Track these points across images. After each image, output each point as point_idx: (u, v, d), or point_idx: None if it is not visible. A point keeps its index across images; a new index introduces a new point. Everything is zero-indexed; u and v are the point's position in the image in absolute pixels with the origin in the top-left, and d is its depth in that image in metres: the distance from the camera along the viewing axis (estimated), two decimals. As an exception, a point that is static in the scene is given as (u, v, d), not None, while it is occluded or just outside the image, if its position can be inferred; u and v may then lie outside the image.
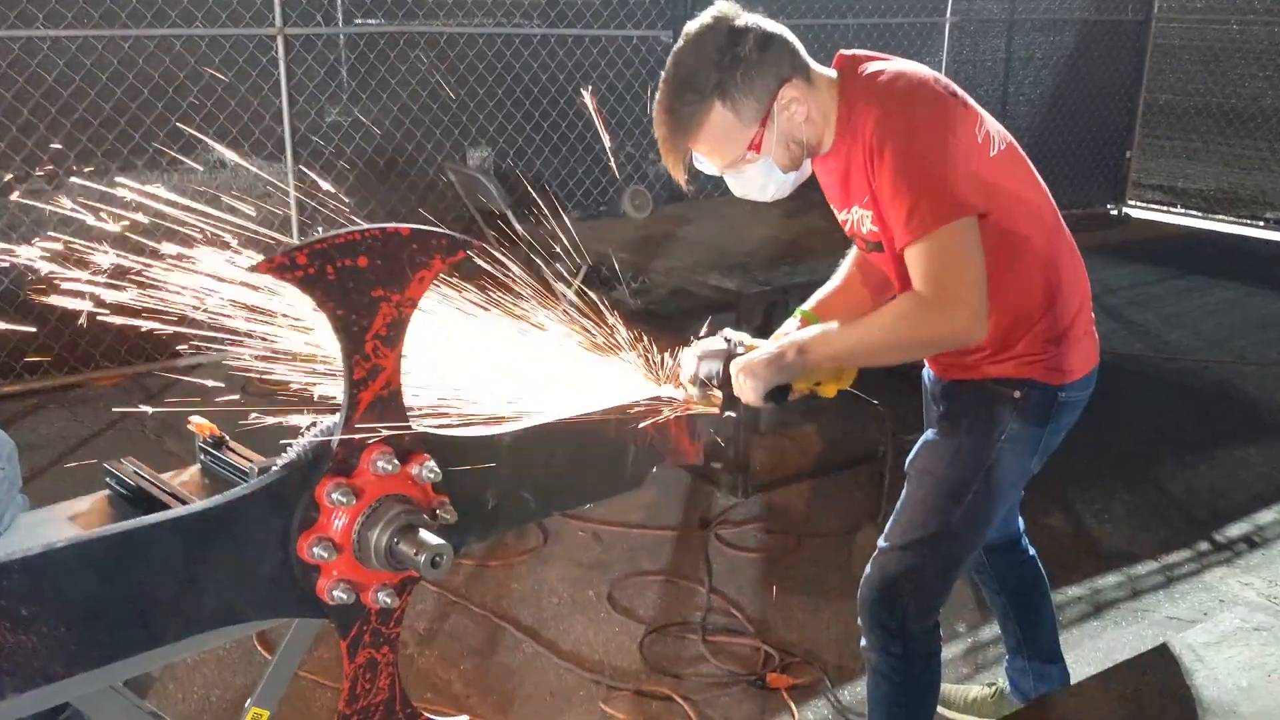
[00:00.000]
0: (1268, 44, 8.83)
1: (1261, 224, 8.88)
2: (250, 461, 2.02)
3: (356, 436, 1.60)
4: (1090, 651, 3.23)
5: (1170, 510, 4.15)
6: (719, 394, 2.13)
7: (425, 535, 1.60)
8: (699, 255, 4.55)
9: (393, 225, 1.52)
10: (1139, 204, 9.46)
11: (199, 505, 1.49)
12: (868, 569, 2.34)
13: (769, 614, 3.38)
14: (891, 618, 2.28)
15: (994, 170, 2.03)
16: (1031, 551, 2.70)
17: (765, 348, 2.09)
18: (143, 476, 1.97)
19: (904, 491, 2.31)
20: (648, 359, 2.19)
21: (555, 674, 3.10)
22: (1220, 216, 9.12)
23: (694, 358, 2.15)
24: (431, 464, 1.67)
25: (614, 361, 2.14)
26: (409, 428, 1.67)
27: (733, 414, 2.13)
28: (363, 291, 1.52)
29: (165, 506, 1.86)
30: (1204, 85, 9.11)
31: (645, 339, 2.20)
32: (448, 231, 1.62)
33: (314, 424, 1.63)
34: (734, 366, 2.09)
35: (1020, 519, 2.68)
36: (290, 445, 1.64)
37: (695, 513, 4.02)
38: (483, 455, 1.82)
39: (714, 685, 3.05)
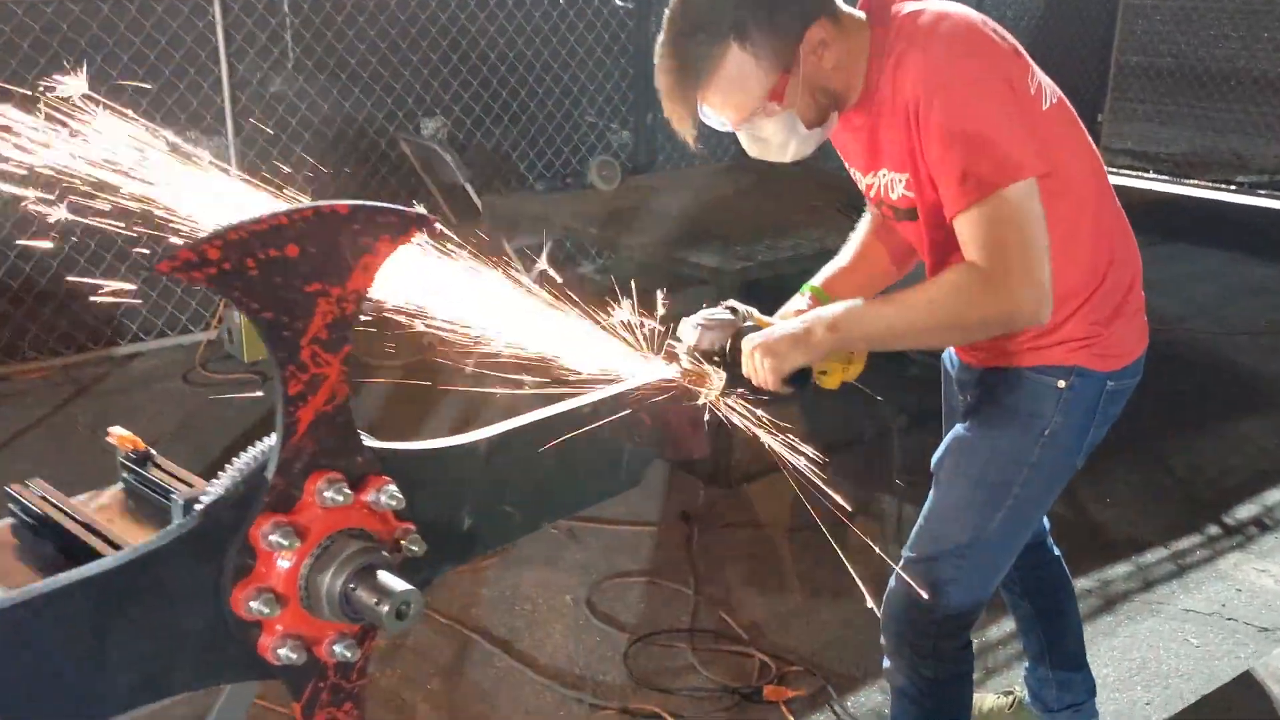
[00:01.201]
0: (1241, 3, 8.64)
1: (1234, 188, 8.74)
2: (180, 481, 1.74)
3: (297, 464, 1.31)
4: (1105, 650, 3.01)
5: (1175, 491, 3.94)
6: (720, 372, 1.86)
7: (387, 579, 1.32)
8: (672, 229, 4.27)
9: (328, 203, 1.23)
10: (1110, 169, 9.25)
11: (104, 564, 1.19)
12: (891, 583, 2.08)
13: (761, 617, 3.13)
14: (921, 637, 2.03)
15: (1047, 126, 1.77)
16: (1056, 552, 2.46)
17: (787, 324, 1.82)
18: (51, 503, 1.68)
19: (931, 495, 2.06)
20: (633, 331, 1.92)
21: (533, 692, 2.83)
22: (1193, 181, 8.96)
23: (695, 327, 1.87)
24: (391, 488, 1.39)
25: (596, 338, 1.88)
26: (361, 447, 1.39)
27: (731, 396, 1.86)
28: (294, 287, 1.22)
29: (76, 541, 1.57)
30: (1177, 46, 8.93)
31: (631, 309, 1.93)
32: (395, 207, 1.33)
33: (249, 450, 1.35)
34: (747, 342, 1.81)
35: (1045, 517, 2.43)
36: (220, 475, 1.35)
37: (676, 506, 3.75)
38: (453, 469, 1.55)
39: (705, 700, 2.79)
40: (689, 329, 1.88)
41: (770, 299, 2.14)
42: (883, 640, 2.11)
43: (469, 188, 4.79)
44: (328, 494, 1.32)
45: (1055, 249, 1.73)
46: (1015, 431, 1.96)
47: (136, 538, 1.63)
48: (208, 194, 1.66)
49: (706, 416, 1.89)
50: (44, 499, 1.68)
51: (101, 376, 4.85)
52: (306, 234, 1.22)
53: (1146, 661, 2.97)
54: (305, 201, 1.29)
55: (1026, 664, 2.55)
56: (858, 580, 2.06)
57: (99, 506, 1.78)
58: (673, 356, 1.90)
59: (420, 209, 1.42)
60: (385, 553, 1.37)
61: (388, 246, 1.32)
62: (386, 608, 1.29)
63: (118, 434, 1.83)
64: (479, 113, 5.80)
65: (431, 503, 1.49)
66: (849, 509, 2.03)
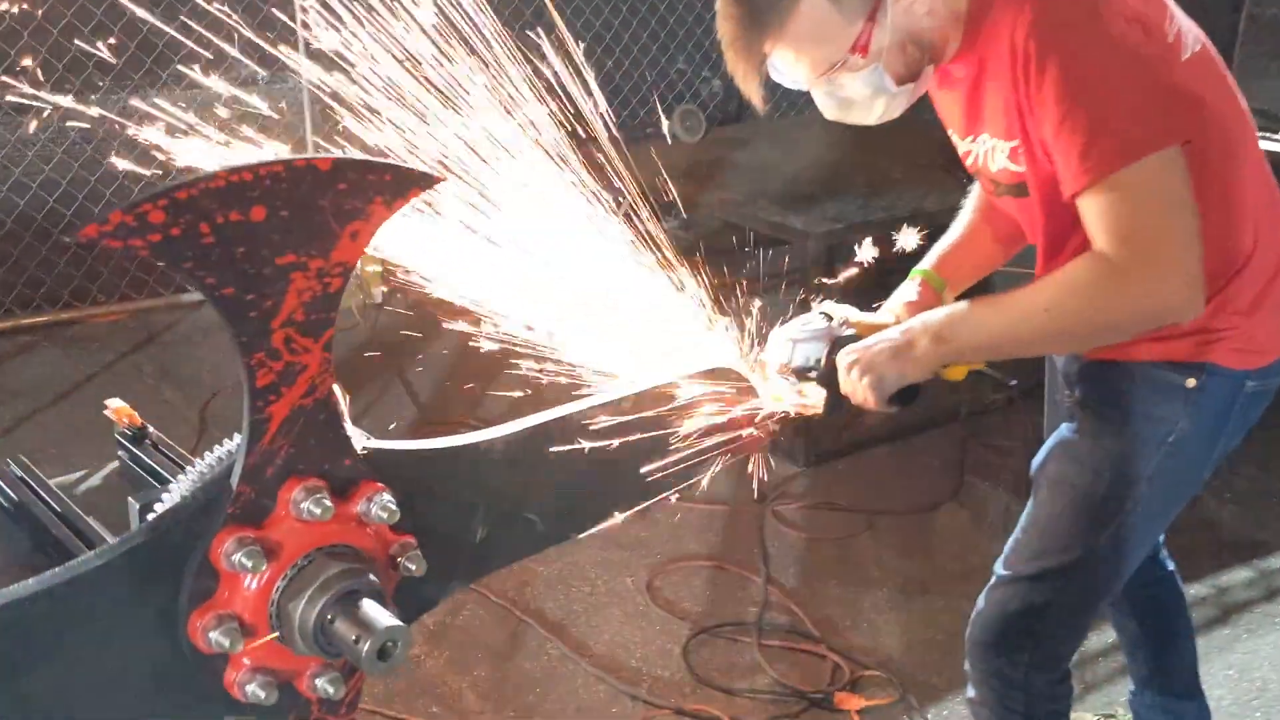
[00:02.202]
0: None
1: (1372, 151, 8.11)
2: (175, 463, 1.56)
3: (268, 469, 1.11)
4: (1220, 669, 2.70)
5: (1303, 488, 3.58)
6: (817, 391, 1.64)
7: (371, 610, 1.11)
8: (757, 185, 3.99)
9: (303, 156, 1.01)
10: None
11: (25, 588, 1.00)
12: (980, 603, 1.82)
13: (835, 612, 2.89)
14: (1012, 666, 1.78)
15: (1189, 79, 1.47)
16: (1170, 567, 2.17)
17: (885, 335, 1.59)
18: (30, 485, 1.51)
19: (1031, 505, 1.79)
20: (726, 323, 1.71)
21: (584, 684, 2.63)
22: (1326, 143, 8.35)
23: (786, 340, 1.67)
24: (384, 498, 1.19)
25: (681, 320, 1.67)
26: (350, 449, 1.18)
27: (836, 416, 1.64)
28: (261, 258, 1.01)
29: (47, 534, 1.39)
30: (1317, -3, 8.28)
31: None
32: (389, 162, 1.11)
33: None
34: (842, 357, 1.59)
35: None
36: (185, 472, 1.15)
37: (749, 484, 3.50)
38: (464, 472, 1.33)
39: (771, 704, 2.57)
40: (780, 344, 1.67)
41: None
42: (966, 666, 1.85)
43: (546, 137, 4.56)
44: (305, 505, 1.11)
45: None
46: (1132, 437, 1.68)
47: (123, 527, 1.45)
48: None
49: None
50: (24, 480, 1.51)
51: (172, 324, 4.75)
52: (276, 194, 1.01)
53: (1269, 683, 2.67)
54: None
55: (1131, 686, 2.27)
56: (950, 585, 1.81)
57: (88, 489, 1.61)
58: (762, 372, 1.68)
59: (425, 167, 1.20)
60: (374, 575, 1.16)
61: (382, 210, 1.10)
62: (367, 646, 1.08)
63: (115, 407, 1.65)
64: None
65: (437, 512, 1.28)
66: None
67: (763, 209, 3.73)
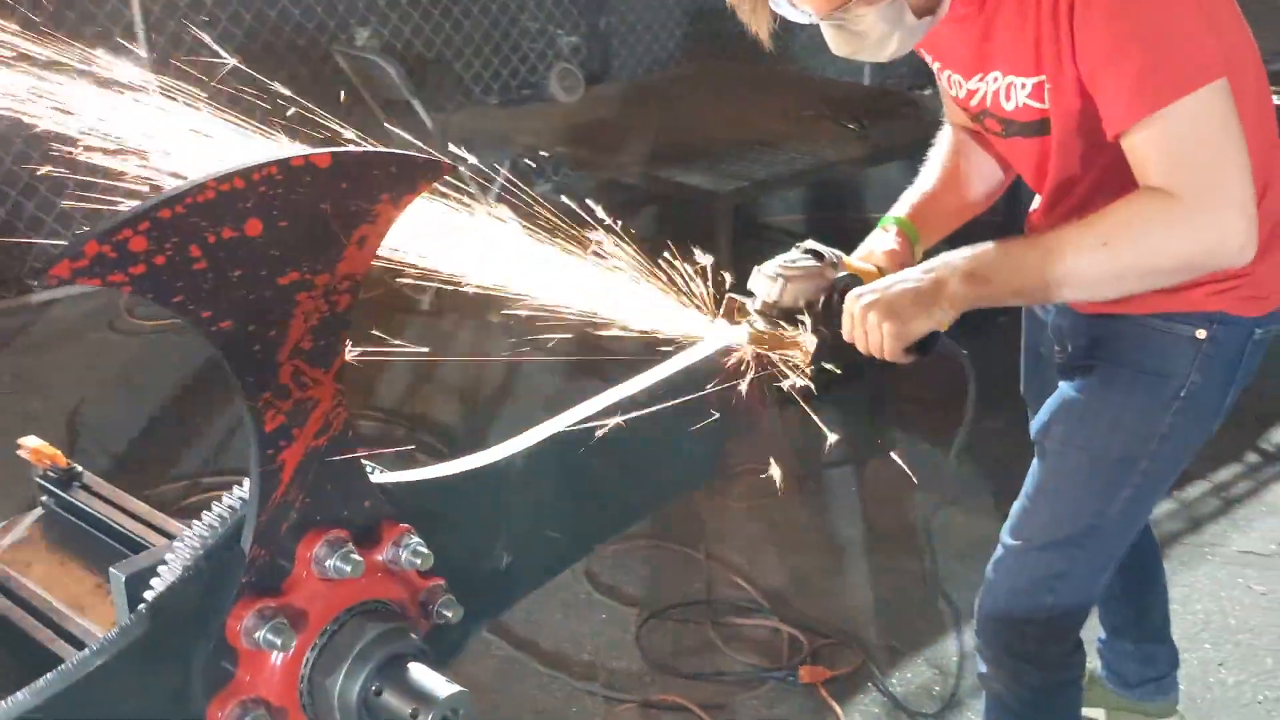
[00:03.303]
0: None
1: None
2: (117, 509, 1.35)
3: (283, 525, 0.93)
4: (1163, 602, 2.73)
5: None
6: (808, 335, 1.49)
7: (424, 677, 0.96)
8: (650, 145, 3.86)
9: (301, 154, 0.84)
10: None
11: (19, 703, 0.81)
12: (989, 574, 1.75)
13: (781, 583, 2.81)
14: (1025, 641, 1.72)
15: (1219, 11, 1.41)
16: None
17: (902, 277, 1.44)
18: (-55, 550, 1.28)
19: (1038, 470, 1.72)
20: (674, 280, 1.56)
21: (539, 685, 2.49)
22: None
23: (774, 276, 1.50)
24: (414, 542, 1.03)
25: (632, 292, 1.52)
26: (369, 489, 1.02)
27: (830, 366, 1.50)
28: (261, 281, 0.84)
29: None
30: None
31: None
32: (397, 152, 0.94)
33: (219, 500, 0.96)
34: (854, 300, 1.44)
35: None
36: (179, 541, 0.97)
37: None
38: (484, 497, 1.18)
39: (734, 685, 2.48)
40: (764, 280, 1.51)
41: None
42: (977, 642, 1.79)
43: (416, 103, 4.31)
44: (331, 563, 0.94)
45: None
46: (1142, 395, 1.61)
47: (64, 590, 1.25)
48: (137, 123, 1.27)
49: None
50: (-64, 544, 1.28)
51: (23, 327, 4.35)
52: (273, 202, 0.83)
53: (1210, 615, 2.71)
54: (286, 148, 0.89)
55: (1102, 635, 2.26)
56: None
57: (12, 544, 1.39)
58: (736, 315, 1.53)
59: (435, 154, 1.03)
60: (412, 630, 1.00)
61: (389, 210, 0.93)
62: (429, 718, 0.93)
63: (31, 446, 1.43)
64: (417, 19, 5.27)
65: (460, 545, 1.12)
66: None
67: (656, 167, 3.60)
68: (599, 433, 1.23)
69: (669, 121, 4.11)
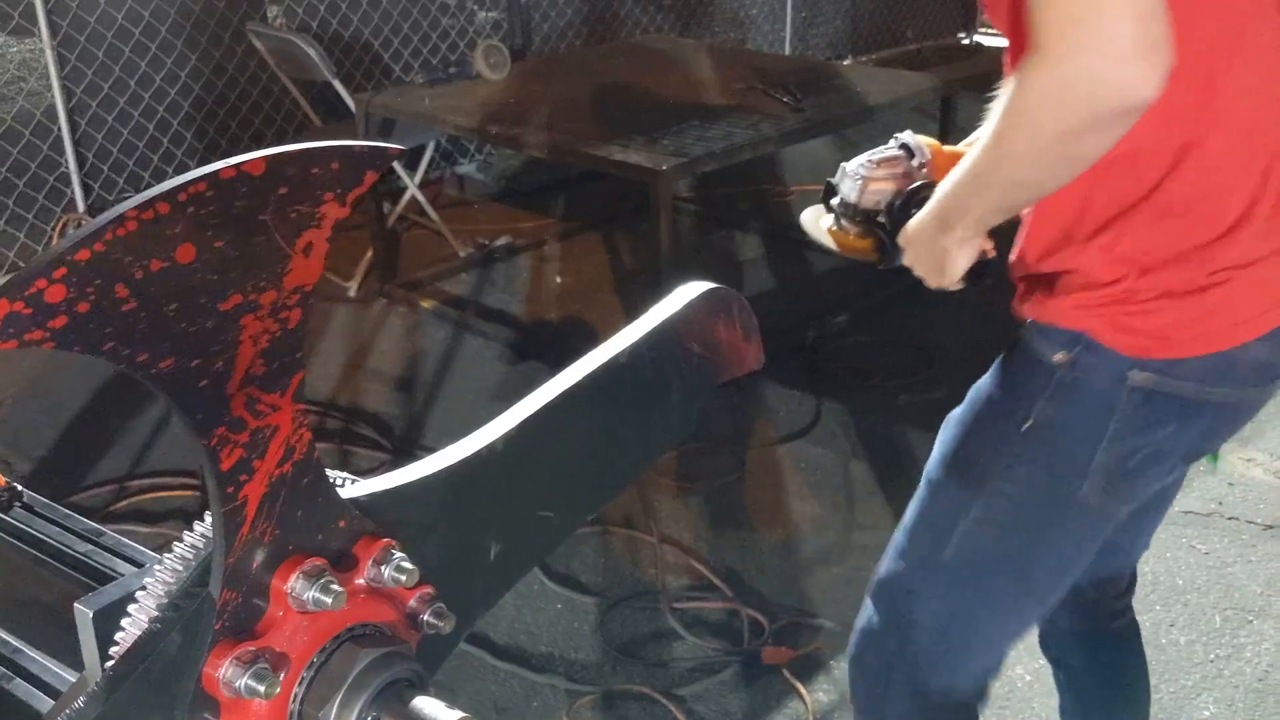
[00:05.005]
0: None
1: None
2: (66, 530, 1.27)
3: (253, 562, 0.87)
4: (1112, 566, 2.76)
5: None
6: (873, 238, 1.40)
7: (425, 706, 0.90)
8: (581, 121, 3.79)
9: (231, 163, 0.75)
10: (988, 32, 9.03)
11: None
12: (859, 619, 1.53)
13: (736, 563, 2.79)
14: (867, 689, 1.51)
15: None
16: (1130, 614, 1.78)
17: (927, 209, 1.30)
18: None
19: None
20: None
21: (496, 681, 2.44)
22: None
23: (854, 177, 1.40)
24: (397, 557, 0.97)
25: None
26: (341, 506, 0.95)
27: (893, 272, 1.40)
28: (201, 310, 0.76)
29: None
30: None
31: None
32: (337, 145, 0.86)
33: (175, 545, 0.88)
34: (904, 235, 1.33)
35: (1125, 552, 1.68)
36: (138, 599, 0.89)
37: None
38: (469, 491, 1.11)
39: (697, 671, 2.45)
40: (846, 178, 1.40)
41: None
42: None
43: (337, 84, 4.19)
44: (310, 595, 0.88)
45: None
46: (987, 422, 1.36)
47: (15, 623, 1.16)
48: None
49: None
50: None
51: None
52: (204, 221, 0.74)
53: (1158, 576, 2.75)
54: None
55: None
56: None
57: (-52, 574, 1.29)
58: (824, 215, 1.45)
59: (384, 143, 0.96)
60: (405, 653, 0.94)
61: (335, 210, 0.85)
62: (433, 749, 0.87)
63: (-36, 467, 1.33)
64: (332, -4, 5.12)
65: (447, 545, 1.06)
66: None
67: (591, 145, 3.53)
68: (582, 400, 1.17)
69: (600, 97, 4.04)
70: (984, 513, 1.35)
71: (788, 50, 6.81)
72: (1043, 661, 1.90)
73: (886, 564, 1.47)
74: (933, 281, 1.33)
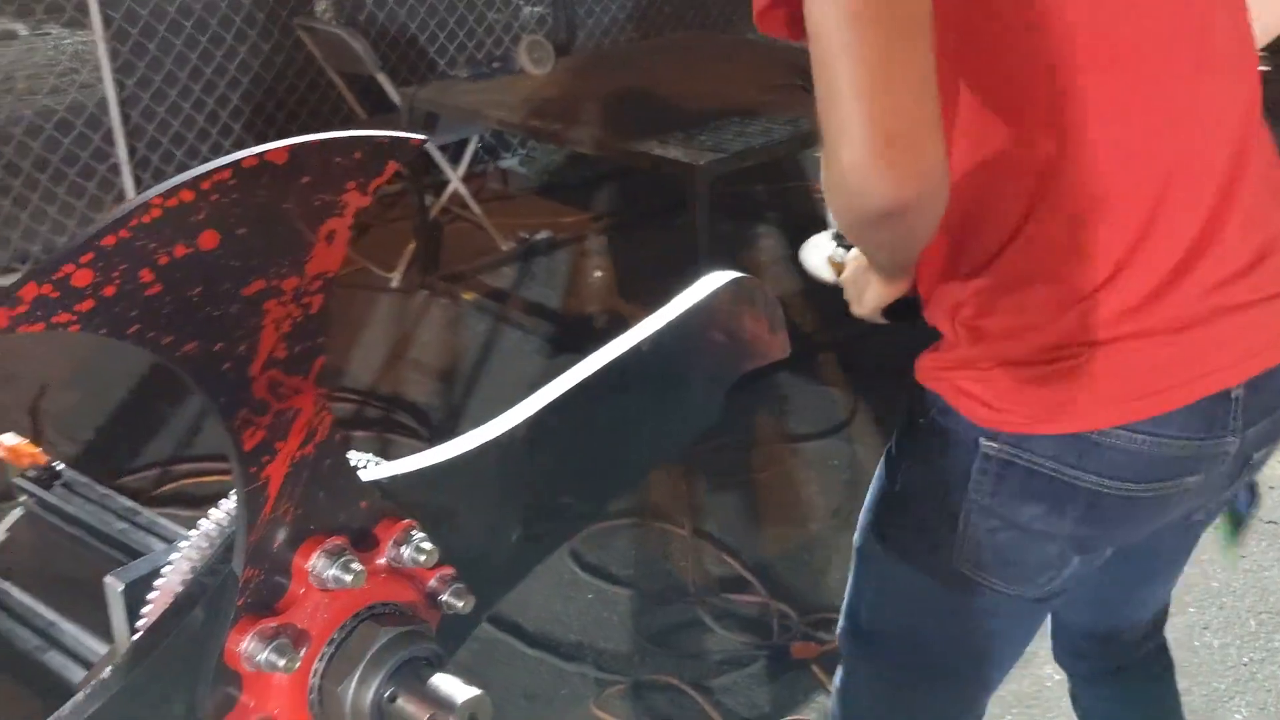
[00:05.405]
0: None
1: None
2: (102, 508, 1.31)
3: (275, 540, 0.89)
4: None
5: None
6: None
7: (442, 683, 0.92)
8: (622, 117, 3.80)
9: (254, 152, 0.78)
10: None
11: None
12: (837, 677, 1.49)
13: (769, 557, 2.80)
14: None
15: None
16: (1157, 651, 1.67)
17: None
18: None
19: None
20: None
21: (526, 668, 2.47)
22: None
23: (813, 247, 1.43)
24: (417, 536, 0.99)
25: None
26: (362, 488, 0.98)
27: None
28: (224, 295, 0.78)
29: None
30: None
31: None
32: (359, 134, 0.88)
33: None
34: (851, 264, 1.32)
35: (1148, 596, 1.59)
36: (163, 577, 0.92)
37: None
38: (490, 476, 1.13)
39: (725, 664, 2.46)
40: (810, 249, 1.44)
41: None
42: None
43: (383, 78, 4.24)
44: (331, 574, 0.90)
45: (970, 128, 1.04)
46: (881, 467, 1.33)
47: (52, 596, 1.21)
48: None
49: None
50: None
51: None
52: (228, 210, 0.77)
53: (1192, 578, 2.72)
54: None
55: None
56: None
57: (-8, 548, 1.34)
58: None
59: (410, 133, 0.98)
60: (423, 631, 0.97)
61: (357, 198, 0.87)
62: (447, 726, 0.89)
63: (8, 444, 1.38)
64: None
65: (469, 528, 1.08)
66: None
67: (630, 140, 3.55)
68: (604, 386, 1.19)
69: (641, 93, 4.05)
70: (876, 557, 1.30)
71: (832, 46, 6.79)
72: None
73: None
74: (853, 308, 1.30)
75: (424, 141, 0.96)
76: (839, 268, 1.39)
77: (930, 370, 1.17)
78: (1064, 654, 1.62)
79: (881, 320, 1.30)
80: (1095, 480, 1.11)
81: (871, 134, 0.92)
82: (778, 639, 2.51)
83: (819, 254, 1.46)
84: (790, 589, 2.67)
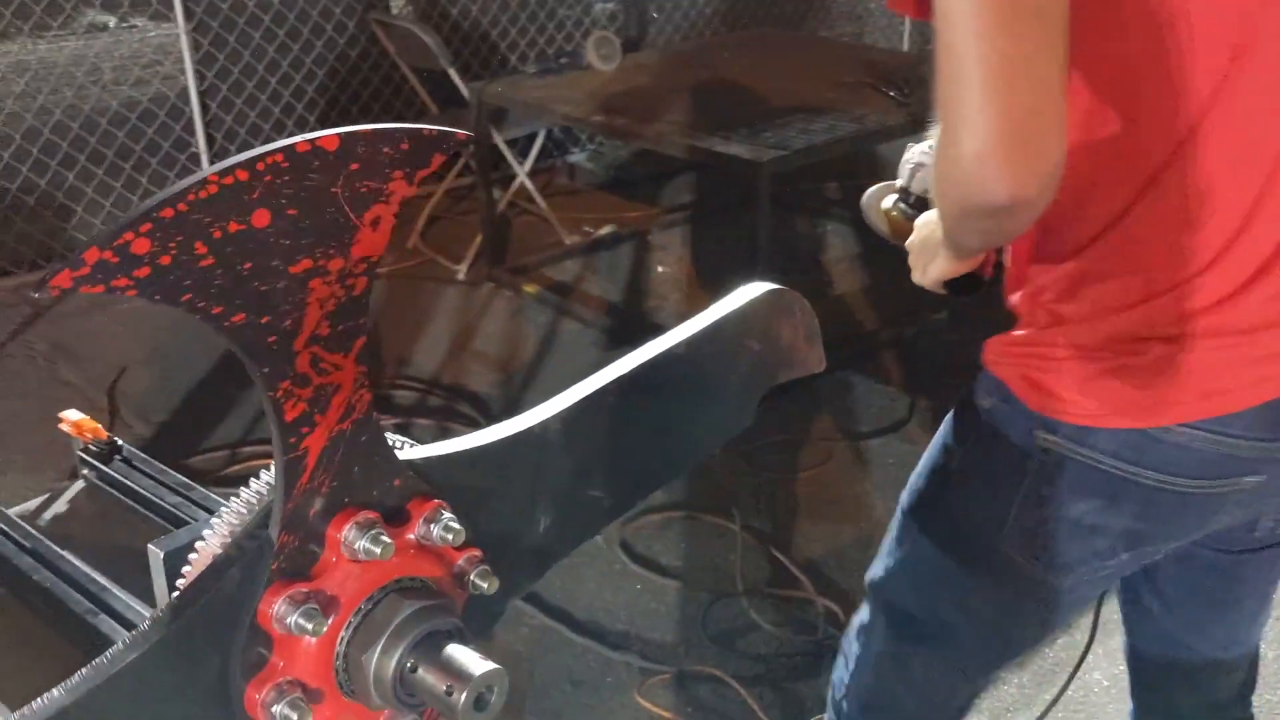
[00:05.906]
0: None
1: None
2: (157, 482, 1.37)
3: (310, 510, 0.94)
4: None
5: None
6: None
7: (459, 655, 0.96)
8: (688, 113, 3.83)
9: (306, 138, 0.82)
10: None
11: (55, 700, 0.82)
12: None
13: (817, 554, 2.81)
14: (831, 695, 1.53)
15: None
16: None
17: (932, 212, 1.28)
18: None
19: None
20: None
21: (573, 655, 2.51)
22: None
23: (909, 162, 1.36)
24: (446, 516, 1.03)
25: None
26: (397, 466, 1.01)
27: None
28: (273, 271, 0.83)
29: (26, 580, 1.20)
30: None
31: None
32: (406, 127, 0.91)
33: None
34: (929, 213, 1.27)
35: (1225, 627, 1.44)
36: (207, 532, 0.97)
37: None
38: (521, 465, 1.17)
39: (769, 658, 2.48)
40: (904, 162, 1.37)
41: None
42: None
43: (453, 73, 4.30)
44: (361, 545, 0.95)
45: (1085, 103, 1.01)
46: (936, 446, 1.33)
47: (105, 564, 1.26)
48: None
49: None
50: (-18, 518, 1.30)
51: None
52: (280, 190, 0.81)
53: None
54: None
55: None
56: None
57: (53, 517, 1.41)
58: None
59: (452, 128, 1.01)
60: (447, 607, 1.01)
61: (403, 187, 0.91)
62: (463, 697, 0.93)
63: (72, 420, 1.44)
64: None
65: (497, 514, 1.12)
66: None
67: (694, 136, 3.57)
68: (639, 387, 1.21)
69: (707, 89, 4.07)
70: (910, 545, 1.33)
71: (905, 46, 6.73)
72: (1120, 668, 1.88)
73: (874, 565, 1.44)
74: (915, 275, 1.27)
75: (470, 136, 1.00)
76: (895, 222, 1.38)
77: (999, 354, 1.18)
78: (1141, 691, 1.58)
79: (941, 291, 1.29)
80: (1154, 477, 1.12)
81: (1001, 129, 0.90)
82: (823, 636, 2.52)
83: (878, 206, 1.43)
84: (838, 587, 2.68)
